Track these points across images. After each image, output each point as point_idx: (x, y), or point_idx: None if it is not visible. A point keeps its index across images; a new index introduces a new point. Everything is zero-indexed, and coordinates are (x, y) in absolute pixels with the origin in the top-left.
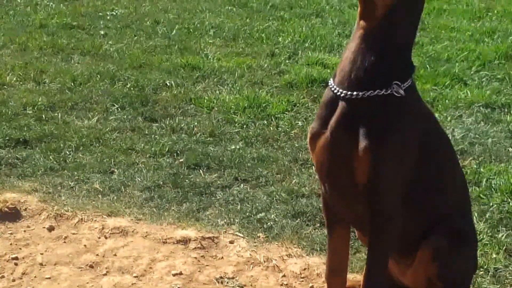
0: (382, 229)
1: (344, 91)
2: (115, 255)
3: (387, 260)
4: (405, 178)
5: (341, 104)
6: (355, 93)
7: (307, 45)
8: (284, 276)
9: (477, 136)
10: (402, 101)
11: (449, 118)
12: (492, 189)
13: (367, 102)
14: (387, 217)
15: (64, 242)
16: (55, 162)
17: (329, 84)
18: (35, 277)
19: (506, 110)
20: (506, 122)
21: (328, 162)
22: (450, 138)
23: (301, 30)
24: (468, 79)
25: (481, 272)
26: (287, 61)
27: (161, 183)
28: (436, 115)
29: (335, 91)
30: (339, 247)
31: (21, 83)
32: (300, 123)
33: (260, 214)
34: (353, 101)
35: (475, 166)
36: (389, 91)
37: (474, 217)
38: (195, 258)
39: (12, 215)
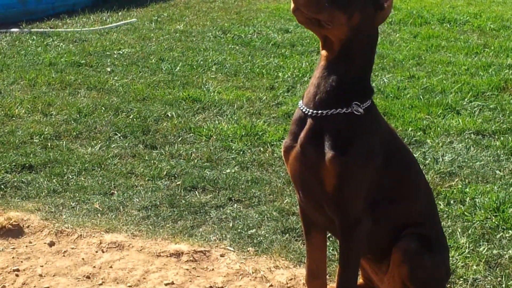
0: (351, 231)
1: (311, 110)
2: (111, 267)
3: (358, 260)
4: (369, 184)
5: (309, 121)
6: (320, 111)
7: (306, 79)
8: (271, 286)
9: (466, 160)
10: (361, 118)
11: (440, 144)
12: (476, 207)
13: (331, 119)
14: (354, 220)
15: (63, 255)
16: (58, 185)
17: (299, 105)
18: (34, 286)
19: (496, 136)
20: (495, 147)
21: (300, 172)
22: (439, 162)
23: (300, 66)
24: (460, 109)
25: (460, 281)
26: (285, 94)
27: (158, 203)
28: (428, 141)
29: (304, 110)
30: (316, 252)
31: (29, 115)
32: None
33: (251, 231)
34: (319, 118)
35: (460, 186)
36: (349, 110)
37: (457, 233)
38: (187, 269)
39: (15, 231)
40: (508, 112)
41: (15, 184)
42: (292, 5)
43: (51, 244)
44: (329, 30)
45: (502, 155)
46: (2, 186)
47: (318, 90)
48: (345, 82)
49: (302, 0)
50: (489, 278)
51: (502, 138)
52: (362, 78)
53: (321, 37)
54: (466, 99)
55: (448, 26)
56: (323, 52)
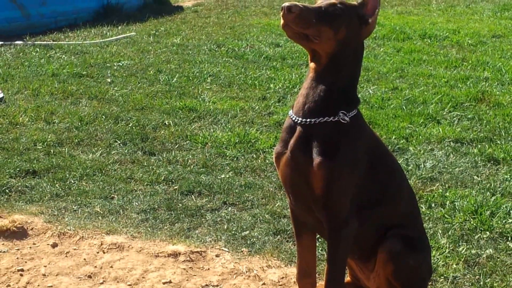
0: (338, 232)
1: (300, 118)
2: (111, 267)
3: (345, 259)
4: (355, 188)
5: (298, 129)
6: (308, 120)
7: (296, 90)
8: (264, 284)
9: (446, 166)
10: (348, 126)
11: (422, 151)
12: (456, 210)
13: (319, 127)
14: (341, 221)
15: (66, 256)
16: (60, 189)
17: (289, 114)
18: (38, 285)
19: (474, 144)
20: (473, 155)
21: (290, 177)
22: (421, 168)
23: (290, 78)
24: (441, 119)
25: (441, 279)
26: (276, 104)
27: (156, 206)
28: (410, 148)
29: (293, 118)
30: (306, 252)
31: (32, 123)
32: None
33: (244, 232)
34: (307, 126)
35: (440, 191)
36: (336, 118)
37: (438, 234)
38: (184, 269)
39: (20, 233)
40: (485, 121)
41: (19, 188)
42: (282, 21)
43: (54, 245)
44: (317, 44)
45: (479, 162)
46: (7, 191)
47: (307, 99)
48: (333, 93)
49: (291, 16)
50: (468, 276)
51: (479, 146)
52: (349, 88)
53: (310, 50)
54: (446, 109)
55: (429, 41)
56: (312, 65)
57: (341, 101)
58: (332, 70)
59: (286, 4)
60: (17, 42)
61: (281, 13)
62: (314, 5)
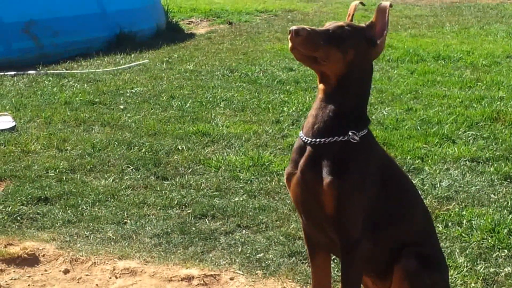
0: (351, 251)
1: (309, 139)
2: None
3: (359, 279)
4: (367, 207)
5: (308, 149)
6: (318, 140)
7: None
8: None
9: (462, 185)
10: (358, 145)
11: (437, 171)
12: (473, 229)
13: (328, 146)
14: (354, 240)
15: (78, 282)
16: (72, 216)
17: (299, 134)
18: None
19: (490, 163)
20: (489, 173)
21: (302, 197)
22: (437, 187)
23: (304, 101)
24: (456, 138)
25: None
26: (290, 127)
27: (169, 230)
28: (426, 168)
29: (303, 139)
30: (321, 272)
31: (45, 150)
32: None
33: (259, 255)
34: (317, 146)
35: (457, 210)
36: (346, 138)
37: (456, 253)
38: None
39: (31, 260)
40: (500, 140)
41: (31, 215)
42: (290, 44)
43: (66, 271)
44: (325, 66)
45: (496, 180)
46: (18, 218)
47: (316, 120)
48: (342, 113)
49: (299, 39)
50: None
51: (495, 165)
52: (358, 109)
53: (318, 72)
54: (461, 129)
55: (443, 62)
56: (321, 86)
57: (351, 121)
58: (341, 91)
59: (294, 27)
60: (30, 71)
61: (289, 36)
62: (322, 27)
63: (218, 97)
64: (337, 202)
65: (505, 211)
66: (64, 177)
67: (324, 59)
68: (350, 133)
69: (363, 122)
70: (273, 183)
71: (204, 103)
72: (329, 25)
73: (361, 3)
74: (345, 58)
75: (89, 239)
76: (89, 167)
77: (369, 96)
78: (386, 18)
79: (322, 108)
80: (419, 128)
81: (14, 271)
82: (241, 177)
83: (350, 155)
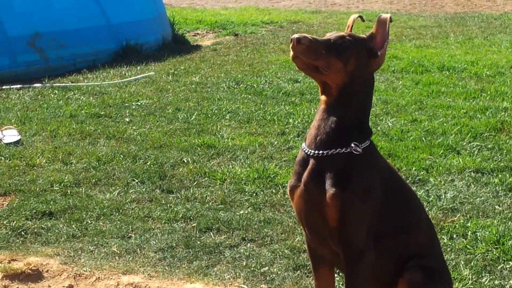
0: (355, 264)
1: (312, 151)
2: None
3: None
4: (370, 219)
5: (311, 161)
6: (321, 152)
7: None
8: None
9: (466, 196)
10: (360, 157)
11: (442, 182)
12: (478, 241)
13: (331, 158)
14: (358, 252)
15: None
16: (77, 230)
17: (302, 146)
18: None
19: (494, 174)
20: (494, 184)
21: (305, 209)
22: (442, 199)
23: (309, 112)
24: (460, 149)
25: None
26: (295, 139)
27: (174, 244)
28: (431, 179)
29: (306, 151)
30: (324, 285)
31: (49, 164)
32: None
33: (264, 268)
34: (320, 158)
35: (462, 221)
36: (348, 150)
37: (460, 265)
38: None
39: (35, 276)
40: (505, 151)
41: (35, 230)
42: (292, 53)
43: (70, 287)
44: (327, 76)
45: (500, 191)
46: (22, 233)
47: (319, 131)
48: (344, 124)
49: (301, 48)
50: None
51: (500, 176)
52: (360, 120)
53: (320, 82)
54: (465, 140)
55: (447, 73)
56: (323, 97)
57: (353, 132)
58: (343, 102)
59: (296, 35)
60: (35, 84)
61: (291, 45)
62: (324, 37)
63: (224, 109)
64: (340, 214)
65: (510, 222)
66: (69, 191)
67: (326, 68)
68: (352, 145)
69: (365, 133)
70: (279, 195)
71: (209, 115)
72: (331, 35)
73: (361, 17)
74: (346, 67)
75: (93, 253)
76: (94, 180)
77: (370, 108)
78: (387, 29)
79: (324, 119)
80: (424, 139)
81: (17, 287)
82: (246, 190)
83: (353, 167)
